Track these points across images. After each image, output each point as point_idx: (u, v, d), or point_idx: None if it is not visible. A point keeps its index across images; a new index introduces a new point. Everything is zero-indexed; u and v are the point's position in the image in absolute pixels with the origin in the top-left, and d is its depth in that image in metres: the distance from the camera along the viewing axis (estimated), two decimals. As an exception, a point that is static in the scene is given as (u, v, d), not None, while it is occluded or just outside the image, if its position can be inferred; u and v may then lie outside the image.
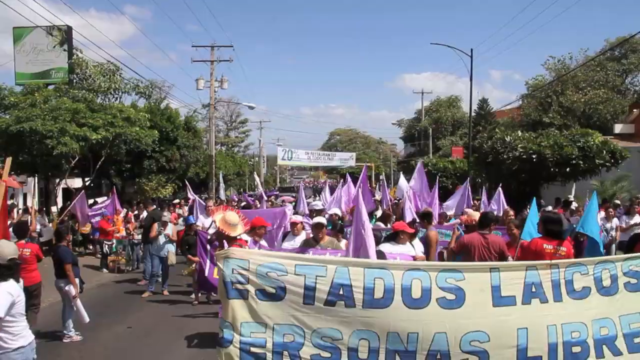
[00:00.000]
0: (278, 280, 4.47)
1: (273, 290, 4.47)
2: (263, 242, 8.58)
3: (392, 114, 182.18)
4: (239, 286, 4.51)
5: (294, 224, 8.96)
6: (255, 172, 42.04)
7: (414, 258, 7.50)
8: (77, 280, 8.60)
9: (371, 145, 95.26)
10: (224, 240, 6.97)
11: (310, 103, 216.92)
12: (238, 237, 7.12)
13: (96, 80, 20.58)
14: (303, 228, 9.06)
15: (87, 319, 8.53)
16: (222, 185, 27.45)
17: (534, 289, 4.54)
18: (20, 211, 18.77)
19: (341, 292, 4.43)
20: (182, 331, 8.97)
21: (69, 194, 21.77)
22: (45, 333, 8.70)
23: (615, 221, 13.42)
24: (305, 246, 7.87)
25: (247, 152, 72.00)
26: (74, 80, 21.46)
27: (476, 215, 8.74)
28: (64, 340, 8.44)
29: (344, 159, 42.59)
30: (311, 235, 8.26)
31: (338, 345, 4.43)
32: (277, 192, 39.26)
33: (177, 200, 23.00)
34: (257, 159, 71.49)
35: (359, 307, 4.41)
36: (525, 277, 4.57)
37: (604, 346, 4.55)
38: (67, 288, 8.45)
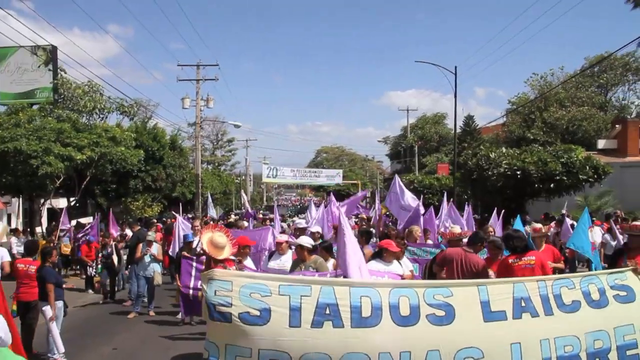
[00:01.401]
0: (262, 301, 4.41)
1: (257, 312, 4.39)
2: (247, 263, 8.54)
3: (378, 131, 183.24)
4: (222, 309, 4.44)
5: (279, 244, 8.94)
6: (242, 190, 41.80)
7: (402, 277, 7.46)
8: (60, 303, 8.46)
9: (357, 162, 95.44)
10: (211, 261, 6.89)
11: (296, 121, 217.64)
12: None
13: (80, 100, 20.53)
14: (289, 247, 9.04)
15: (62, 349, 8.15)
16: (210, 204, 27.34)
17: (523, 304, 4.56)
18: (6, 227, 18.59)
19: (327, 312, 4.38)
20: (168, 351, 8.86)
21: (53, 214, 21.55)
22: (31, 355, 8.56)
23: (621, 238, 12.26)
24: (294, 267, 7.86)
25: (233, 171, 71.86)
26: (59, 100, 21.39)
27: (456, 229, 8.96)
28: (49, 364, 8.27)
29: (331, 176, 42.40)
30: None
31: None
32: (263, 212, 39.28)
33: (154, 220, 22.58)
34: (243, 177, 71.25)
35: (348, 327, 4.34)
36: (513, 291, 4.60)
37: (597, 359, 4.58)
38: (44, 308, 8.27)
